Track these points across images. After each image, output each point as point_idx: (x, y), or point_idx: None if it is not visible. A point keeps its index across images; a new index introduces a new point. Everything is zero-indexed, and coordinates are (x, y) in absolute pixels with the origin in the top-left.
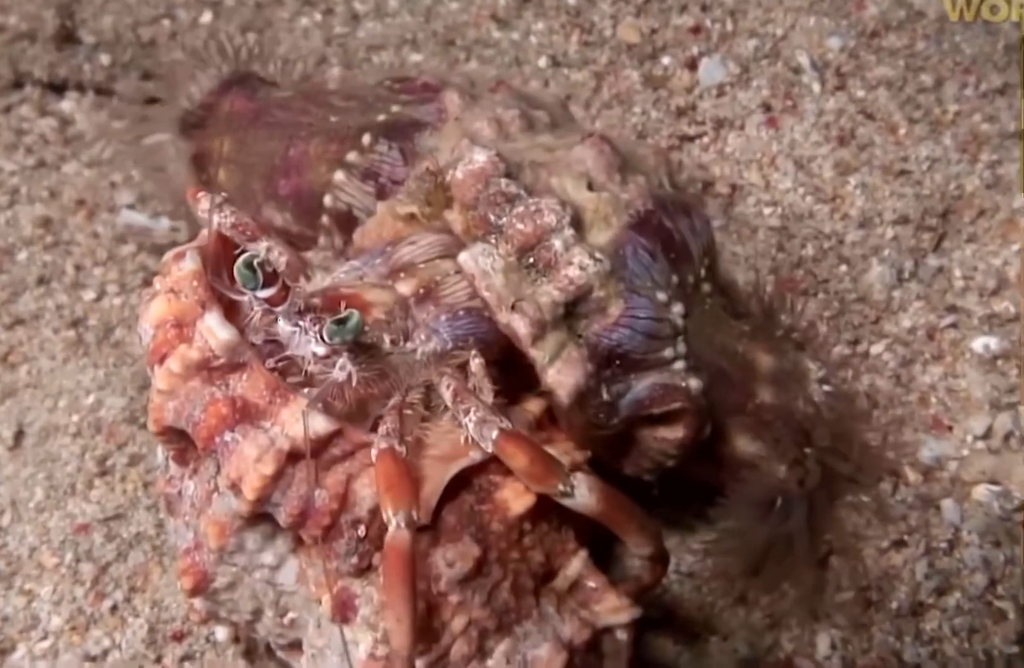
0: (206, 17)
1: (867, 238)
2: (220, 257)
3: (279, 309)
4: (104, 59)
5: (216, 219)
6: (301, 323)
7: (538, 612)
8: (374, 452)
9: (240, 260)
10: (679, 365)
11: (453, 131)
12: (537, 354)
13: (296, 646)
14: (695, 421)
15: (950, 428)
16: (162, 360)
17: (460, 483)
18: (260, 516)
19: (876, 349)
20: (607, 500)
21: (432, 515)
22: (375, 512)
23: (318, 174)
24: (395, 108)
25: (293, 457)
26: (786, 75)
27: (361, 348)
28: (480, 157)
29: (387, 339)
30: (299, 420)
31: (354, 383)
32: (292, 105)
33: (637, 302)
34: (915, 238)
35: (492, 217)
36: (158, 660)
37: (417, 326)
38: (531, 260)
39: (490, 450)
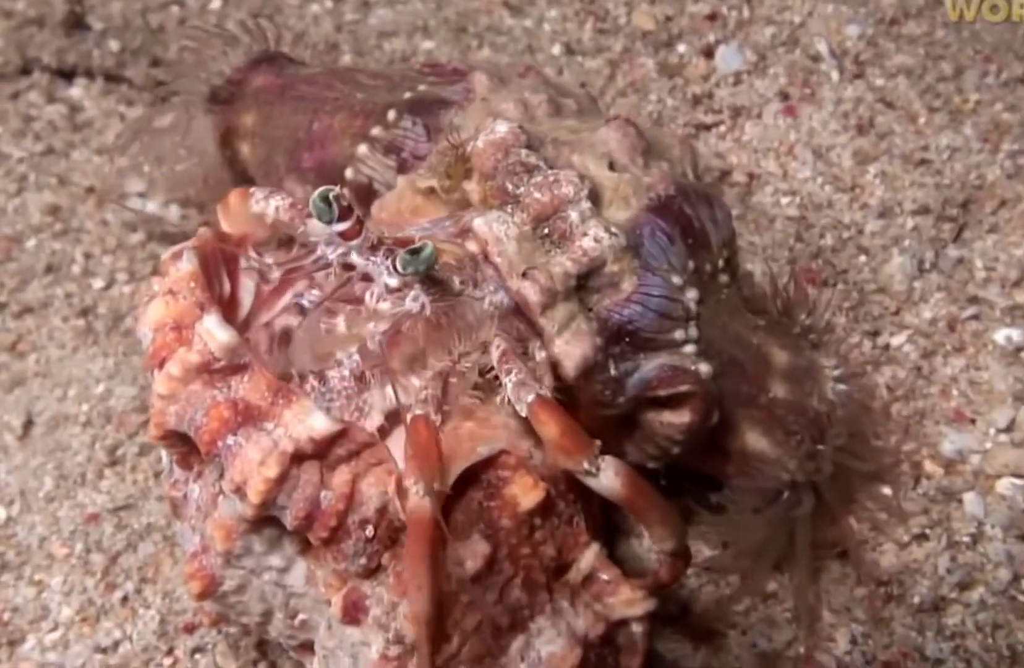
0: (215, 4)
1: (887, 228)
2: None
3: (353, 243)
4: (113, 45)
5: (272, 203)
6: (373, 258)
7: (551, 607)
8: (408, 417)
9: (316, 193)
10: (689, 348)
11: (479, 111)
12: (546, 323)
13: (308, 647)
14: (702, 406)
15: (972, 421)
16: (162, 364)
17: (467, 480)
18: (267, 518)
19: (896, 341)
20: (632, 486)
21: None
22: (382, 511)
23: (342, 147)
24: (422, 87)
25: (297, 459)
26: (804, 63)
27: (433, 282)
28: (502, 128)
29: (457, 281)
30: (302, 421)
31: (427, 313)
32: (318, 80)
33: (651, 280)
34: (936, 228)
35: (510, 186)
36: (170, 652)
37: (485, 279)
38: (546, 231)
39: (524, 414)
